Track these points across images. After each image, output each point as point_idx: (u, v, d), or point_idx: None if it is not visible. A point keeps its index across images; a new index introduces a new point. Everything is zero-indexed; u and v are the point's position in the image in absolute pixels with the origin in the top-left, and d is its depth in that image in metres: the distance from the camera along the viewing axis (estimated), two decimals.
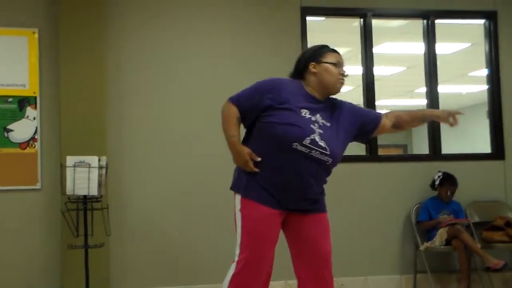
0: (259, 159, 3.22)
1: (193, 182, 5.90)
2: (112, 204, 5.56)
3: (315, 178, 3.27)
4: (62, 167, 5.27)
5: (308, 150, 3.18)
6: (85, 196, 5.23)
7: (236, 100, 3.33)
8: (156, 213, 5.86)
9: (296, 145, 3.17)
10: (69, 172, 5.18)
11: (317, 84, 3.33)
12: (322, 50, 3.40)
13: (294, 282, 5.95)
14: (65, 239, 5.46)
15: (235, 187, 3.35)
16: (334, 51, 3.41)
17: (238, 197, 3.31)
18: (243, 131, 3.45)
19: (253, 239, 3.23)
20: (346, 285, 6.13)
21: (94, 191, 5.19)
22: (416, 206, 6.29)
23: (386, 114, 3.54)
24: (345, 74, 3.36)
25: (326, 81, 3.32)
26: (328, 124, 3.28)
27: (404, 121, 3.54)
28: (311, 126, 3.22)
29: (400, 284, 6.25)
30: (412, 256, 6.25)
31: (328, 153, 3.23)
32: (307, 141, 3.18)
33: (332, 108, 3.37)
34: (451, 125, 3.49)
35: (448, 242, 5.96)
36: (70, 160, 5.21)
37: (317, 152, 3.20)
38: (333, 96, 3.44)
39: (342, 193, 6.22)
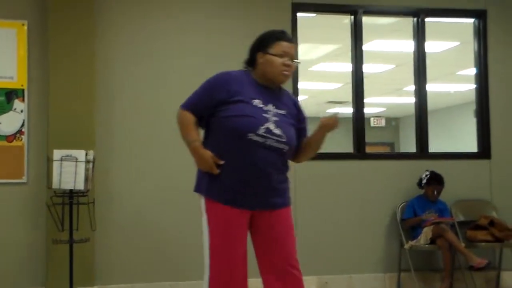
0: (222, 162, 3.20)
1: (180, 178, 5.87)
2: (98, 199, 5.54)
3: (273, 168, 3.23)
4: (49, 160, 5.25)
5: (264, 139, 3.18)
6: (71, 190, 5.21)
7: (188, 105, 3.32)
8: (142, 209, 5.85)
9: (252, 136, 3.16)
10: (55, 165, 5.16)
11: (262, 74, 3.32)
12: (270, 39, 3.32)
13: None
14: (50, 233, 5.43)
15: (198, 189, 3.33)
16: (283, 39, 3.31)
17: (202, 199, 3.30)
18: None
19: (221, 240, 3.20)
20: (330, 283, 6.15)
21: (80, 186, 5.17)
22: (402, 205, 6.32)
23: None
24: (291, 64, 3.28)
25: (268, 73, 3.30)
26: (282, 112, 3.29)
27: (300, 151, 3.46)
28: (264, 115, 3.22)
29: (384, 282, 6.27)
30: (396, 254, 6.27)
31: (284, 140, 3.23)
32: (261, 131, 3.18)
33: (285, 96, 3.39)
34: (332, 127, 3.35)
35: (432, 241, 5.99)
36: (57, 153, 5.18)
37: (273, 140, 3.20)
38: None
39: (328, 190, 6.24)
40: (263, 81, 3.33)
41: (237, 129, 3.18)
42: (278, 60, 3.27)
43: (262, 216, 3.28)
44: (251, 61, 3.38)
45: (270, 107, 3.26)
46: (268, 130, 3.20)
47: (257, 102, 3.24)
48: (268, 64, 3.29)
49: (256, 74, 3.35)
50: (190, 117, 3.29)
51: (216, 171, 3.20)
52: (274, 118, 3.23)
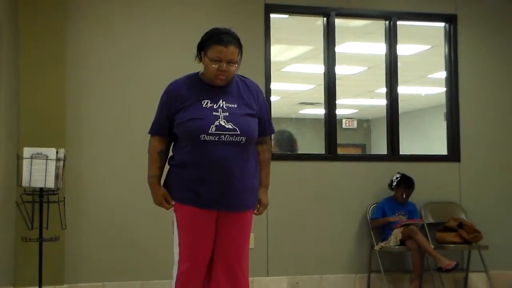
0: (173, 202, 3.34)
1: None
2: (69, 197, 5.50)
3: (235, 164, 3.27)
4: (19, 158, 5.19)
5: (217, 137, 3.23)
6: (41, 189, 5.16)
7: (154, 130, 3.43)
8: (112, 208, 5.82)
9: (204, 136, 3.22)
10: (25, 163, 5.11)
11: (205, 75, 3.38)
12: (208, 41, 3.31)
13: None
14: (20, 231, 5.39)
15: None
16: (219, 43, 3.27)
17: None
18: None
19: (188, 239, 3.29)
20: (301, 283, 6.18)
21: (51, 184, 5.13)
22: (372, 206, 6.36)
23: (267, 140, 3.53)
24: (227, 69, 3.27)
25: (207, 75, 3.35)
26: (234, 105, 3.31)
27: (258, 156, 3.48)
28: (214, 113, 3.26)
29: (354, 283, 6.32)
30: (367, 255, 6.32)
31: (238, 132, 3.26)
32: (212, 129, 3.23)
33: (238, 87, 3.39)
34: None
35: (402, 243, 6.05)
36: (27, 151, 5.13)
37: (227, 135, 3.24)
38: (244, 76, 3.49)
39: (300, 191, 6.26)
40: (211, 82, 3.36)
41: (189, 132, 3.25)
42: (213, 66, 3.28)
43: (224, 217, 3.35)
44: (199, 59, 3.40)
45: (220, 103, 3.30)
46: (219, 127, 3.24)
47: (206, 103, 3.29)
48: (206, 67, 3.34)
49: (203, 74, 3.39)
50: (155, 146, 3.40)
51: (167, 207, 3.36)
52: (225, 114, 3.28)
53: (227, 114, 3.27)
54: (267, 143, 3.52)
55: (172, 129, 3.37)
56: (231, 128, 3.25)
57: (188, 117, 3.26)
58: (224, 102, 3.30)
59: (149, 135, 3.45)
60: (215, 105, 3.29)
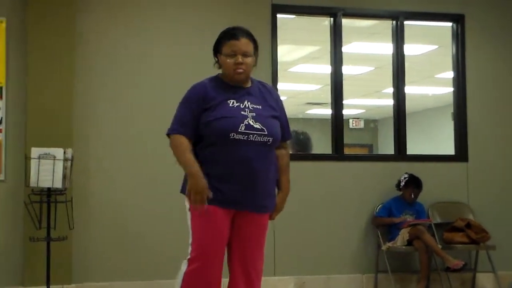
0: (211, 195, 3.21)
1: (158, 177, 5.87)
2: (76, 197, 5.51)
3: (261, 164, 3.27)
4: (27, 158, 5.21)
5: (246, 136, 3.23)
6: (49, 189, 5.18)
7: (176, 129, 3.32)
8: (120, 207, 5.84)
9: (233, 135, 3.21)
10: (33, 163, 5.13)
11: (225, 74, 3.38)
12: (221, 40, 3.37)
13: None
14: (28, 231, 5.40)
15: (183, 190, 3.35)
16: (230, 38, 3.33)
17: (186, 200, 3.32)
18: None
19: (203, 238, 3.26)
20: (308, 283, 6.17)
21: (58, 184, 5.15)
22: (379, 206, 6.35)
23: (285, 145, 3.52)
24: (243, 61, 3.28)
25: (226, 73, 3.36)
26: (259, 107, 3.32)
27: (280, 163, 3.47)
28: (242, 113, 3.27)
29: (361, 283, 6.31)
30: (374, 255, 6.31)
31: (266, 133, 3.27)
32: (242, 128, 3.22)
33: (259, 90, 3.41)
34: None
35: (409, 243, 6.04)
36: (35, 151, 5.15)
37: (255, 135, 3.24)
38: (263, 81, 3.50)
39: (307, 191, 6.26)
40: (232, 83, 3.37)
41: (219, 131, 3.23)
42: (228, 61, 3.31)
43: (243, 217, 3.33)
44: (217, 63, 3.43)
45: (246, 103, 3.31)
46: (249, 126, 3.24)
47: (232, 102, 3.29)
48: (223, 65, 3.36)
49: (223, 75, 3.40)
50: (184, 142, 3.28)
51: (205, 204, 3.20)
52: (252, 114, 3.28)
53: (254, 114, 3.28)
54: (286, 148, 3.53)
55: (195, 129, 3.31)
56: (259, 128, 3.26)
57: (217, 116, 3.24)
58: (249, 103, 3.31)
59: (170, 134, 3.34)
60: (241, 104, 3.29)
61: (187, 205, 3.33)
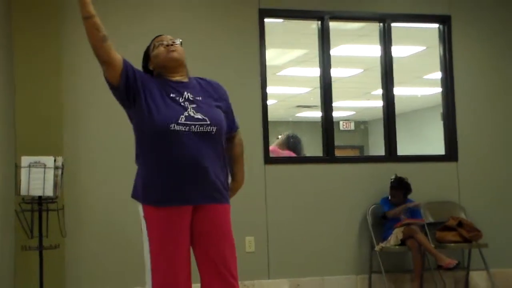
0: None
1: None
2: (68, 205, 5.50)
3: (205, 156, 3.14)
4: (17, 167, 5.20)
5: (188, 127, 3.12)
6: (40, 197, 5.17)
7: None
8: (112, 215, 5.83)
9: (174, 126, 3.11)
10: (23, 172, 5.11)
11: (162, 70, 3.31)
12: (147, 48, 3.42)
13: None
14: (19, 240, 5.38)
15: (134, 195, 3.27)
16: (155, 37, 3.39)
17: (139, 205, 3.23)
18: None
19: (162, 244, 3.13)
20: (303, 285, 6.18)
21: (49, 192, 5.13)
22: (372, 207, 6.37)
23: (235, 134, 3.44)
24: (172, 43, 3.29)
25: (161, 63, 3.30)
26: (199, 98, 3.25)
27: (232, 153, 3.42)
28: (182, 104, 3.18)
29: (355, 284, 6.32)
30: (367, 256, 6.32)
31: (208, 122, 3.16)
32: (182, 119, 3.12)
33: (199, 83, 3.35)
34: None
35: (402, 242, 6.06)
36: (25, 160, 5.14)
37: (197, 125, 3.14)
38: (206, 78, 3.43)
39: (299, 193, 6.28)
40: (171, 76, 3.29)
41: (158, 123, 3.12)
42: (160, 47, 3.31)
43: (203, 210, 3.18)
44: (157, 75, 3.35)
45: (185, 95, 3.22)
46: (189, 117, 3.15)
47: (171, 95, 3.21)
48: (156, 59, 3.31)
49: (160, 71, 3.33)
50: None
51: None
52: (192, 105, 3.19)
53: (195, 105, 3.19)
54: (236, 137, 3.42)
55: (128, 88, 3.22)
56: (200, 118, 3.16)
57: (154, 108, 3.15)
58: (189, 94, 3.23)
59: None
60: (180, 97, 3.20)
61: (141, 212, 3.22)
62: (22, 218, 5.17)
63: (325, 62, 6.53)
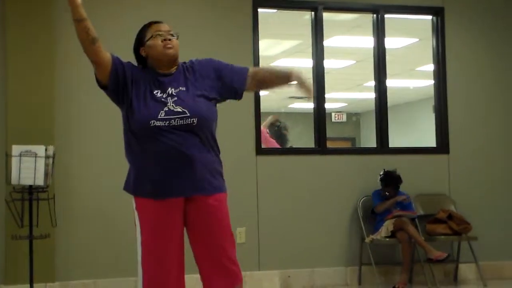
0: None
1: None
2: (59, 195, 5.49)
3: (190, 147, 3.13)
4: (8, 156, 5.18)
5: (168, 122, 3.11)
6: (30, 186, 5.15)
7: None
8: (103, 204, 5.81)
9: (153, 122, 3.11)
10: (14, 161, 5.09)
11: (153, 62, 3.29)
12: (142, 31, 3.35)
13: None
14: (10, 229, 5.37)
15: (126, 187, 3.28)
16: (151, 23, 3.33)
17: (132, 197, 3.24)
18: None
19: (153, 237, 3.13)
20: (293, 277, 6.19)
21: (40, 181, 5.12)
22: (363, 199, 6.38)
23: (253, 72, 3.39)
24: (171, 38, 3.26)
25: (155, 56, 3.27)
26: (183, 88, 3.23)
27: (262, 76, 3.39)
28: (162, 100, 3.17)
29: (345, 276, 6.34)
30: (357, 248, 6.34)
31: (188, 114, 3.14)
32: (162, 114, 3.12)
33: (185, 72, 3.31)
34: (305, 95, 3.36)
35: (393, 235, 6.07)
36: (16, 149, 5.12)
37: (177, 119, 3.12)
38: (188, 61, 3.38)
39: (290, 185, 6.27)
40: (160, 69, 3.27)
41: (139, 120, 3.14)
42: (156, 40, 3.26)
43: (195, 202, 3.17)
44: (141, 61, 3.35)
45: (169, 91, 3.20)
46: (169, 112, 3.13)
47: (155, 92, 3.20)
48: (151, 50, 3.27)
49: (152, 67, 3.30)
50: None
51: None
52: (173, 99, 3.17)
53: (176, 98, 3.17)
54: (252, 73, 3.35)
55: (118, 81, 3.23)
56: (180, 111, 3.14)
57: (136, 107, 3.16)
58: (172, 89, 3.21)
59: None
60: (164, 93, 3.19)
61: (133, 204, 3.23)
62: (12, 207, 5.15)
63: (318, 53, 6.51)
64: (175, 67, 3.30)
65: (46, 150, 5.15)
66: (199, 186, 3.15)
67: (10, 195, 5.17)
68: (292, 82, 3.32)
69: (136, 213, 3.23)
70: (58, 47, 5.77)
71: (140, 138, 3.17)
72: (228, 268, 3.17)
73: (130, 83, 3.23)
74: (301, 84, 3.30)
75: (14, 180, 5.11)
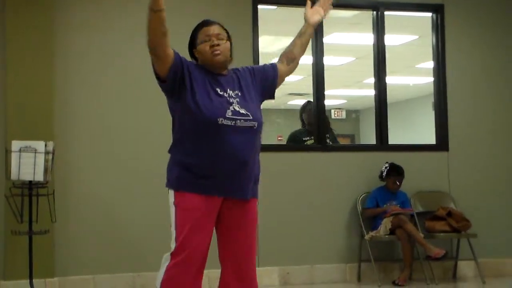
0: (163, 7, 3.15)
1: (140, 169, 5.86)
2: (58, 190, 5.49)
3: (248, 150, 3.22)
4: (7, 151, 5.18)
5: (234, 122, 3.18)
6: (30, 182, 5.15)
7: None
8: (102, 200, 5.82)
9: (222, 120, 3.16)
10: (14, 156, 5.10)
11: (205, 65, 3.33)
12: (194, 33, 3.38)
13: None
14: (9, 225, 5.37)
15: (168, 183, 3.31)
16: (202, 26, 3.36)
17: (171, 192, 3.27)
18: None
19: (187, 230, 3.17)
20: (292, 273, 6.20)
21: (39, 177, 5.12)
22: (362, 196, 6.39)
23: (279, 60, 3.59)
24: (219, 43, 3.28)
25: (205, 61, 3.32)
26: (239, 93, 3.30)
27: (291, 52, 3.63)
28: (227, 99, 3.23)
29: (344, 272, 6.34)
30: (357, 245, 6.35)
31: (251, 118, 3.23)
32: (229, 113, 3.18)
33: (236, 77, 3.38)
34: (324, 12, 3.73)
35: (392, 232, 6.08)
36: (15, 144, 5.12)
37: (242, 120, 3.20)
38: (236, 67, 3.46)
39: (290, 181, 6.28)
40: (213, 70, 3.33)
41: (205, 117, 3.17)
42: (205, 46, 3.29)
43: (233, 203, 3.26)
44: (196, 58, 3.39)
45: (228, 91, 3.27)
46: (235, 112, 3.21)
47: (216, 89, 3.25)
48: (201, 54, 3.32)
49: (204, 65, 3.34)
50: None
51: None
52: (236, 99, 3.25)
53: (238, 100, 3.26)
54: (285, 59, 3.60)
55: (175, 80, 3.21)
56: (244, 113, 3.22)
57: (201, 101, 3.19)
58: (231, 91, 3.28)
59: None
60: (224, 92, 3.26)
61: (171, 199, 3.27)
62: (12, 202, 5.16)
63: (318, 50, 6.51)
64: (227, 70, 3.37)
65: (45, 145, 5.16)
66: (245, 190, 3.26)
67: (10, 191, 5.18)
68: (314, 19, 3.79)
69: (173, 207, 3.26)
70: (58, 43, 5.77)
71: (200, 133, 3.19)
72: (247, 278, 3.28)
73: (189, 80, 3.24)
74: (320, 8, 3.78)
75: (13, 175, 5.12)
